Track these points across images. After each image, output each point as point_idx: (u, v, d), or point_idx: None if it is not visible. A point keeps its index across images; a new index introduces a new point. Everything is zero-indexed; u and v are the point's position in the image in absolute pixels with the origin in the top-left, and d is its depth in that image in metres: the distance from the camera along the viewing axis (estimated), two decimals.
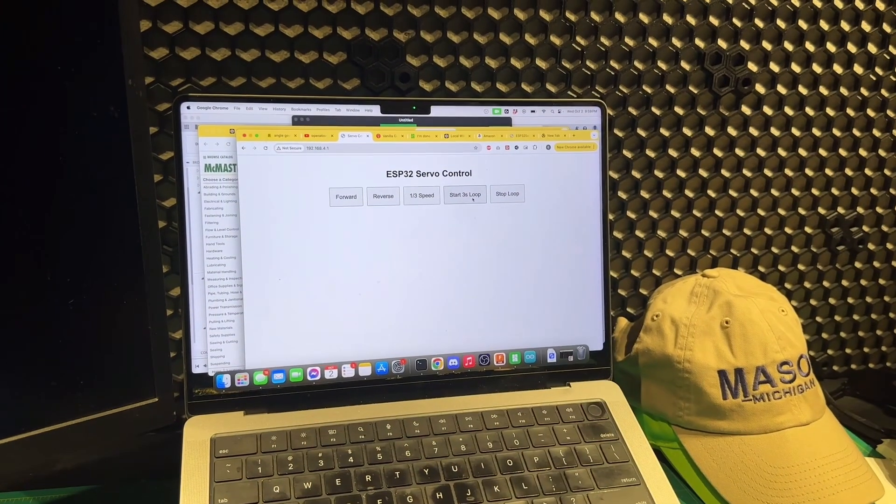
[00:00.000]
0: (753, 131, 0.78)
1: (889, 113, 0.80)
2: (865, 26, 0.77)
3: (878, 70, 0.79)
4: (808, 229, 0.83)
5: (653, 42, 0.72)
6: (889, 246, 0.85)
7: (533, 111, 0.62)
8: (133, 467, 0.63)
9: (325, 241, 0.58)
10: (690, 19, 0.73)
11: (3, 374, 0.47)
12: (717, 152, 0.77)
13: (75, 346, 0.49)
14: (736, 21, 0.74)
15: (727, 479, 0.57)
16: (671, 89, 0.74)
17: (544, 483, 0.54)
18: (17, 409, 0.47)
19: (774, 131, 0.78)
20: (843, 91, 0.79)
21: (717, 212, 0.79)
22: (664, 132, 0.75)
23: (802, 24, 0.75)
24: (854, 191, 0.82)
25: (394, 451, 0.55)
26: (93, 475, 0.62)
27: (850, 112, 0.79)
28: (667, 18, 0.72)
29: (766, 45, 0.75)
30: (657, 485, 0.55)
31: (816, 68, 0.77)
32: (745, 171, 0.79)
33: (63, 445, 0.49)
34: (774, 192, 0.80)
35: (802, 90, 0.78)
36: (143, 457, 0.65)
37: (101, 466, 0.63)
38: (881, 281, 0.86)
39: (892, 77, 0.79)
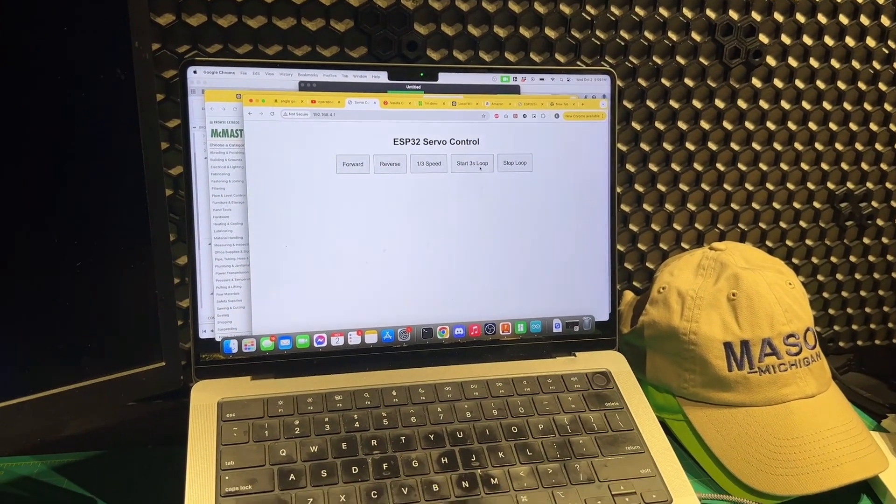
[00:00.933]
0: (763, 104, 0.77)
1: None
2: None
3: (890, 43, 0.78)
4: (816, 204, 0.82)
5: (663, 12, 0.72)
6: None
7: (542, 79, 0.61)
8: (140, 433, 0.63)
9: (331, 208, 0.58)
10: None
11: (10, 335, 0.47)
12: (727, 125, 0.77)
13: (83, 308, 0.49)
14: None
15: (731, 450, 0.58)
16: (681, 60, 0.73)
17: (549, 450, 0.54)
18: (25, 371, 0.47)
19: (785, 104, 0.78)
20: (855, 64, 0.78)
21: (725, 185, 0.79)
22: (674, 104, 0.75)
23: None
24: (864, 165, 0.82)
25: (399, 416, 0.55)
26: (100, 442, 0.62)
27: (861, 86, 0.79)
28: None
29: (778, 17, 0.74)
30: (661, 452, 0.55)
31: (828, 41, 0.76)
32: (754, 145, 0.78)
33: (71, 408, 0.50)
34: (784, 166, 0.80)
35: (814, 63, 0.77)
36: (149, 423, 0.65)
37: (107, 433, 0.64)
38: (889, 257, 0.86)
39: None
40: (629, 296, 0.73)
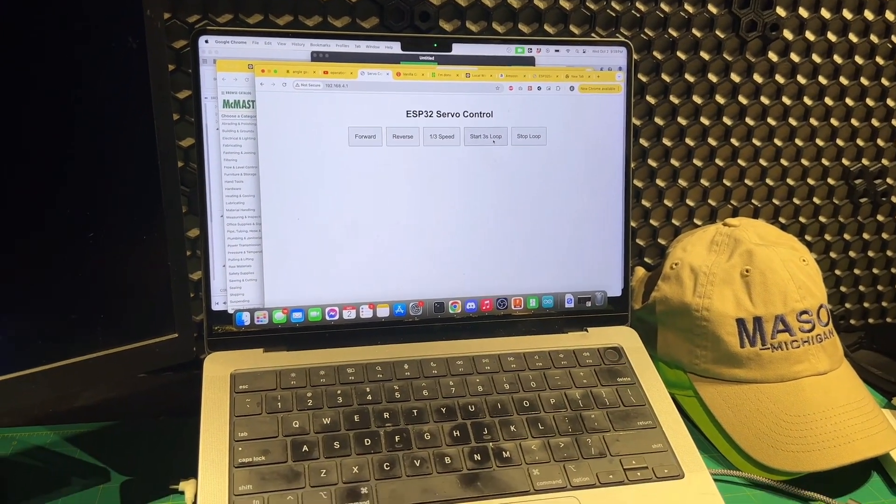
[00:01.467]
0: (780, 78, 0.76)
1: None
2: None
3: None
4: (831, 180, 0.81)
5: None
6: None
7: (557, 50, 0.60)
8: (152, 405, 0.64)
9: (343, 180, 0.58)
10: None
11: (24, 306, 0.47)
12: (742, 100, 0.76)
13: (95, 280, 0.49)
14: None
15: (742, 426, 0.57)
16: (697, 33, 0.72)
17: (560, 424, 0.54)
18: (39, 341, 0.47)
19: (801, 79, 0.76)
20: (874, 38, 0.76)
21: (739, 161, 0.78)
22: (689, 78, 0.74)
23: None
24: (880, 142, 0.81)
25: (411, 390, 0.55)
26: (112, 413, 0.63)
27: (879, 61, 0.77)
28: None
29: None
30: (673, 428, 0.55)
31: (847, 14, 0.75)
32: (769, 120, 0.77)
33: (83, 379, 0.50)
34: (798, 142, 0.79)
35: (831, 37, 0.76)
36: (161, 395, 0.65)
37: (120, 405, 0.64)
38: None
39: None
40: (641, 272, 0.73)
